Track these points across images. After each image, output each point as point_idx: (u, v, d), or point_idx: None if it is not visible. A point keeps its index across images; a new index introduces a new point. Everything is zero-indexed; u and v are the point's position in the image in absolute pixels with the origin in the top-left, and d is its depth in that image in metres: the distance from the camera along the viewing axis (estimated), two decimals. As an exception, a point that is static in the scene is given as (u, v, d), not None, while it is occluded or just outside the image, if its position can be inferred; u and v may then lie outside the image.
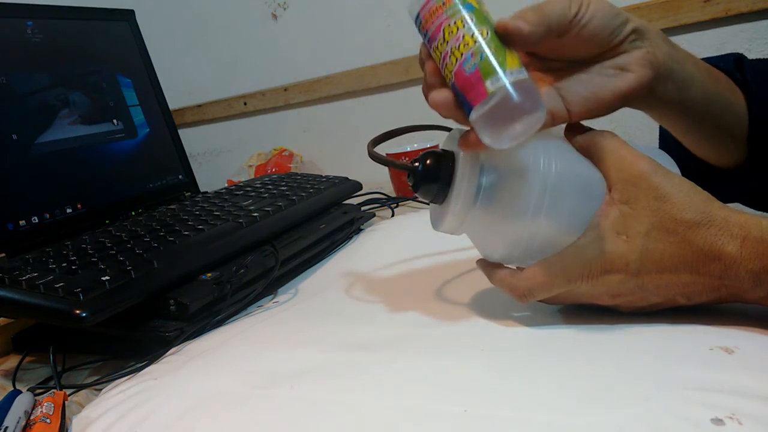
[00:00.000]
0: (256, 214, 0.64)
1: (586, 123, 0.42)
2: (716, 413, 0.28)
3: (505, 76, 0.34)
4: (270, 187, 0.78)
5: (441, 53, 0.36)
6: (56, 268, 0.52)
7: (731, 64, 0.49)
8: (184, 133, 0.95)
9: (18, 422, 0.38)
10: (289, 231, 0.66)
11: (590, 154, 0.39)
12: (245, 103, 1.43)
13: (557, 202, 0.38)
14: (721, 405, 0.29)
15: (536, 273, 0.38)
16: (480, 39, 0.35)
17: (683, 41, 0.90)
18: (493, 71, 0.34)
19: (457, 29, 0.35)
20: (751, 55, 0.51)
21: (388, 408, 0.34)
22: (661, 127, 0.54)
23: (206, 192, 0.86)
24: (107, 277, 0.49)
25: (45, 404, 0.40)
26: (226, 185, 0.90)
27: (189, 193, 0.86)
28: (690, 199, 0.36)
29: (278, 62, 1.37)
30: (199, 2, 1.42)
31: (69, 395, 0.44)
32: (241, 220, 0.63)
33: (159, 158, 0.85)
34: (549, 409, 0.31)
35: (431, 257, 0.61)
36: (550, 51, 0.41)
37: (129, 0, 0.93)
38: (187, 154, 0.90)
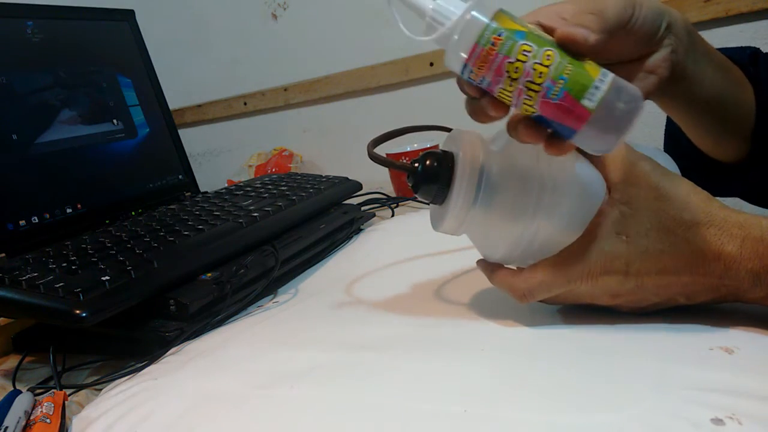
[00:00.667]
0: (256, 214, 0.64)
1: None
2: (716, 413, 0.28)
3: (597, 87, 0.32)
4: (270, 187, 0.78)
5: (512, 93, 0.33)
6: (56, 268, 0.52)
7: (746, 58, 0.48)
8: (184, 133, 0.95)
9: (18, 422, 0.38)
10: (289, 231, 0.66)
11: (590, 154, 0.39)
12: (245, 103, 1.43)
13: (557, 202, 0.38)
14: (721, 405, 0.29)
15: (536, 273, 0.38)
16: (553, 63, 0.32)
17: (683, 41, 0.90)
18: (584, 88, 0.32)
19: (523, 63, 0.32)
20: (752, 56, 0.51)
21: (389, 408, 0.34)
22: (668, 120, 0.54)
23: (206, 192, 0.86)
24: (107, 277, 0.49)
25: (45, 404, 0.40)
26: (226, 185, 0.90)
27: (189, 193, 0.86)
28: (689, 199, 0.36)
29: (278, 62, 1.37)
30: (199, 2, 1.42)
31: (69, 395, 0.44)
32: (241, 220, 0.63)
33: (159, 158, 0.85)
34: (549, 409, 0.31)
35: (431, 257, 0.61)
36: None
37: (129, 0, 0.93)
38: (187, 154, 0.90)
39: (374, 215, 0.85)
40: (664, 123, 0.56)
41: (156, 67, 0.89)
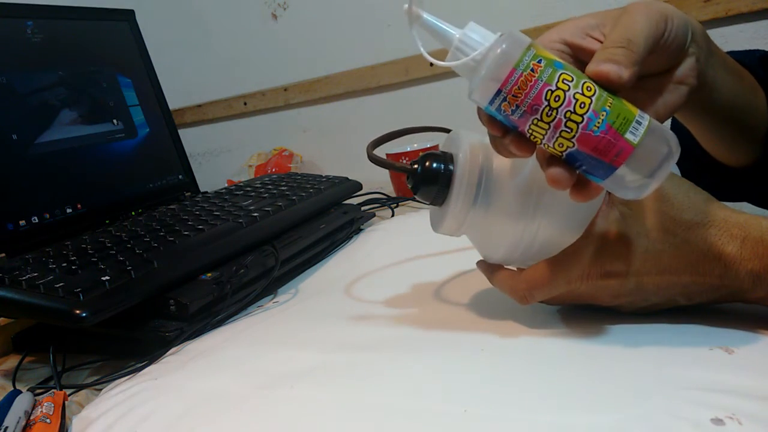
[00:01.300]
0: (256, 214, 0.64)
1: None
2: (716, 413, 0.28)
3: (640, 123, 0.31)
4: (270, 187, 0.78)
5: (549, 124, 0.31)
6: (56, 268, 0.52)
7: (756, 61, 0.48)
8: (184, 133, 0.95)
9: (18, 422, 0.38)
10: (289, 231, 0.66)
11: None
12: (245, 103, 1.43)
13: (556, 203, 0.38)
14: (721, 405, 0.29)
15: (536, 274, 0.38)
16: (594, 94, 0.31)
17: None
18: (627, 122, 0.31)
19: (564, 93, 0.30)
20: (751, 56, 0.51)
21: (389, 408, 0.34)
22: (674, 121, 0.53)
23: (206, 192, 0.86)
24: (107, 277, 0.49)
25: (45, 404, 0.40)
26: (226, 185, 0.90)
27: (189, 193, 0.86)
28: (689, 199, 0.36)
29: (278, 62, 1.37)
30: (199, 2, 1.42)
31: (69, 395, 0.44)
32: (241, 220, 0.63)
33: (159, 158, 0.85)
34: (549, 409, 0.31)
35: (431, 257, 0.61)
36: None
37: (129, 0, 0.93)
38: (187, 154, 0.90)
39: (374, 215, 0.85)
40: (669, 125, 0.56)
41: (156, 67, 0.89)
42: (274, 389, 0.39)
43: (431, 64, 0.34)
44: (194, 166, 0.92)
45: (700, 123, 0.47)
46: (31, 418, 0.39)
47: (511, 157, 0.34)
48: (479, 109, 0.34)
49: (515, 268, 0.42)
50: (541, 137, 0.32)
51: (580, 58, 0.37)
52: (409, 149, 0.96)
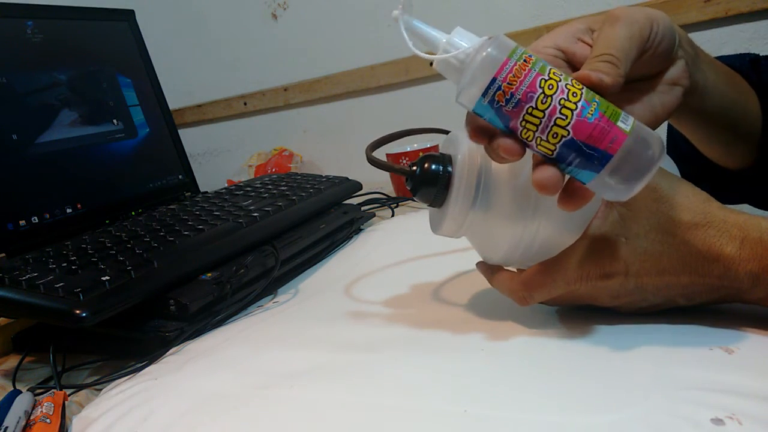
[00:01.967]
0: (256, 214, 0.64)
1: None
2: (716, 413, 0.28)
3: (627, 117, 0.31)
4: (270, 187, 0.78)
5: (545, 112, 0.31)
6: (56, 268, 0.52)
7: (747, 64, 0.48)
8: (184, 133, 0.95)
9: (18, 422, 0.38)
10: (289, 231, 0.66)
11: None
12: (245, 103, 1.43)
13: (556, 204, 0.37)
14: (721, 405, 0.29)
15: (536, 275, 0.38)
16: (583, 88, 0.31)
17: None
18: (616, 112, 0.31)
19: (557, 82, 0.31)
20: (751, 56, 0.51)
21: (388, 408, 0.34)
22: (669, 127, 0.54)
23: (206, 192, 0.86)
24: (107, 277, 0.49)
25: (45, 404, 0.40)
26: (226, 185, 0.90)
27: (189, 193, 0.86)
28: (688, 200, 0.36)
29: (278, 62, 1.37)
30: (199, 2, 1.42)
31: (69, 395, 0.44)
32: (241, 220, 0.63)
33: (159, 158, 0.85)
34: (549, 409, 0.31)
35: (431, 257, 0.61)
36: None
37: (129, 0, 0.93)
38: (187, 154, 0.90)
39: (374, 215, 0.85)
40: (666, 129, 0.56)
41: (156, 67, 0.89)
42: (274, 389, 0.39)
43: (431, 64, 0.34)
44: (194, 166, 0.92)
45: (694, 127, 0.47)
46: (31, 418, 0.39)
47: (501, 162, 0.34)
48: (467, 117, 0.34)
49: (515, 269, 0.42)
50: (535, 129, 0.31)
51: (572, 62, 0.38)
52: (409, 149, 0.96)
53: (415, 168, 0.40)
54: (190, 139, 1.48)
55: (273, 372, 0.41)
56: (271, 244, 0.61)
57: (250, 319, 0.53)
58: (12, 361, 0.55)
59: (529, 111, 0.31)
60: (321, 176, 0.85)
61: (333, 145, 1.37)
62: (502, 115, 0.32)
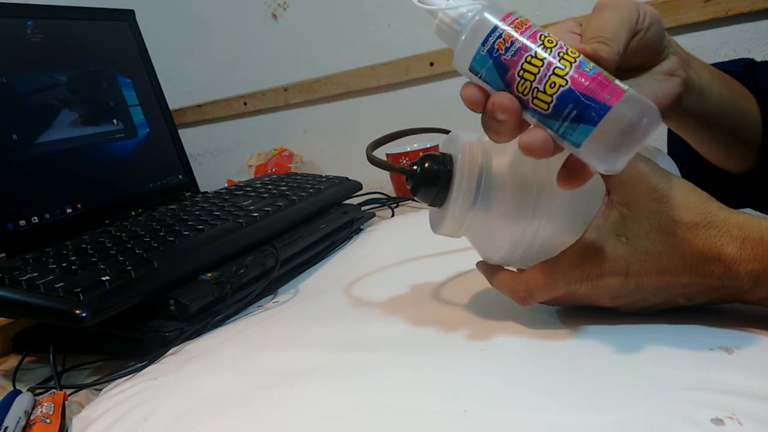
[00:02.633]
0: (256, 214, 0.64)
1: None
2: (716, 413, 0.28)
3: (623, 81, 0.32)
4: (270, 187, 0.78)
5: (543, 61, 0.31)
6: (56, 268, 0.52)
7: (742, 69, 0.49)
8: (184, 133, 0.95)
9: (18, 422, 0.38)
10: (289, 231, 0.66)
11: None
12: (245, 103, 1.43)
13: (556, 203, 0.37)
14: (721, 405, 0.29)
15: (536, 275, 0.38)
16: (579, 54, 0.32)
17: (683, 41, 0.90)
18: (612, 74, 0.31)
19: (556, 40, 0.32)
20: (750, 56, 0.51)
21: (388, 408, 0.34)
22: (670, 132, 0.54)
23: (206, 192, 0.86)
24: (107, 277, 0.49)
25: (45, 404, 0.40)
26: (226, 185, 0.90)
27: (189, 193, 0.86)
28: (689, 200, 0.36)
29: (278, 62, 1.37)
30: (199, 2, 1.42)
31: (69, 395, 0.44)
32: (241, 220, 0.63)
33: (159, 158, 0.85)
34: (549, 409, 0.31)
35: (431, 258, 0.61)
36: None
37: (129, 0, 0.93)
38: (187, 154, 0.90)
39: (374, 215, 0.85)
40: (666, 133, 0.56)
41: (156, 67, 0.89)
42: (274, 389, 0.39)
43: (435, 31, 0.34)
44: (194, 166, 0.92)
45: (695, 130, 0.47)
46: (31, 418, 0.39)
47: (497, 138, 0.34)
48: (463, 87, 0.34)
49: (515, 269, 0.42)
50: (532, 78, 0.31)
51: None
52: (409, 149, 0.96)
53: (415, 167, 0.40)
54: (190, 139, 1.48)
55: (273, 372, 0.41)
56: (271, 244, 0.61)
57: (250, 319, 0.53)
58: (12, 361, 0.55)
59: (528, 59, 0.31)
60: (321, 176, 0.85)
61: (333, 145, 1.37)
62: (499, 64, 0.32)
